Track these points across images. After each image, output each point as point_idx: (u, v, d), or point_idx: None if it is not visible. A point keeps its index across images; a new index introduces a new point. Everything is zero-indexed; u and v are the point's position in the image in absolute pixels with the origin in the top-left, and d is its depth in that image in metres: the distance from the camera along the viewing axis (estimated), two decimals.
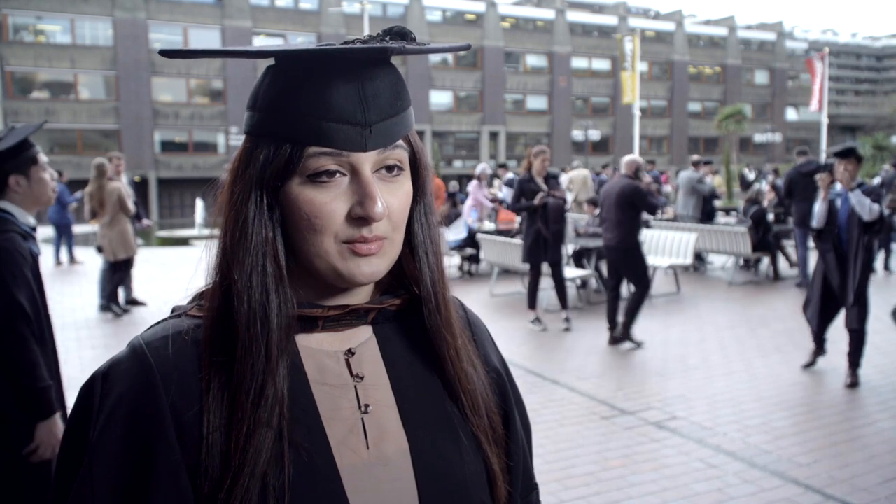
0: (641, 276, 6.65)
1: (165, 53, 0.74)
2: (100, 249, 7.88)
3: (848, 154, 5.23)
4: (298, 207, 0.74)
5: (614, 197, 6.61)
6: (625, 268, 6.72)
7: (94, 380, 0.74)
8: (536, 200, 6.80)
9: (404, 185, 0.78)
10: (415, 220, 0.83)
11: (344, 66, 0.74)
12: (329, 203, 0.73)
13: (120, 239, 7.70)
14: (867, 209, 5.15)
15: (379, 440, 0.78)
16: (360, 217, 0.73)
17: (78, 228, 13.17)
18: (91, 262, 12.07)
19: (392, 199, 0.76)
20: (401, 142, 0.77)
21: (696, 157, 12.52)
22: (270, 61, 0.78)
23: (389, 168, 0.76)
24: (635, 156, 7.16)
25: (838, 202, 5.36)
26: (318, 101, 0.73)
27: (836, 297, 5.50)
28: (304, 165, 0.73)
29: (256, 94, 0.77)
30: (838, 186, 5.36)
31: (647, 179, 6.57)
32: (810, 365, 5.89)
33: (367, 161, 0.74)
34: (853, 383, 5.42)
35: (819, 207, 5.40)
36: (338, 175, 0.74)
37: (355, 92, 0.74)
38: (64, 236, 12.20)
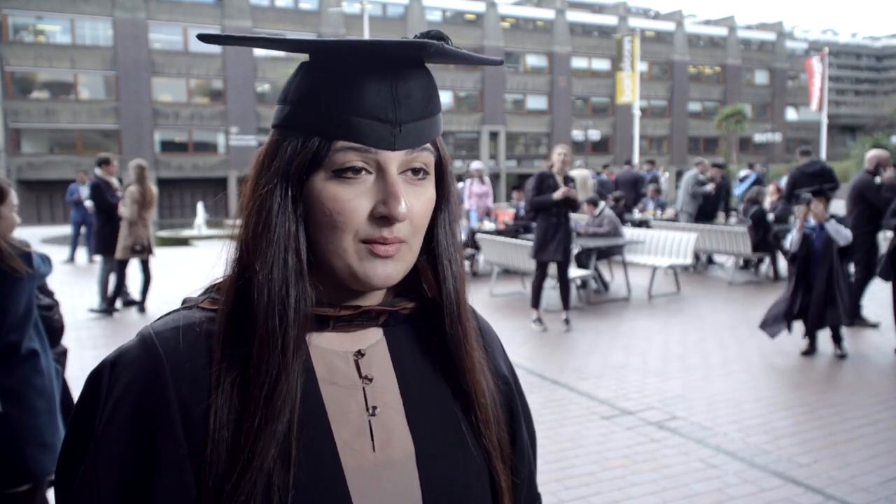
0: (866, 265, 7.17)
1: (204, 38, 0.74)
2: (138, 251, 7.92)
3: (820, 194, 6.12)
4: (322, 202, 0.73)
5: (851, 189, 7.32)
6: (857, 254, 7.16)
7: (102, 368, 0.74)
8: (557, 195, 6.77)
9: (428, 190, 0.78)
10: (438, 226, 0.82)
11: (378, 64, 0.74)
12: (352, 200, 0.73)
13: (150, 237, 8.05)
14: (843, 236, 5.98)
15: (385, 443, 0.78)
16: (382, 216, 0.73)
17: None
18: (75, 262, 12.09)
19: (415, 202, 0.76)
20: (428, 145, 0.77)
21: (698, 158, 12.56)
22: (304, 58, 0.78)
23: (415, 171, 0.76)
24: (880, 151, 7.65)
25: (813, 235, 6.06)
26: (350, 97, 0.73)
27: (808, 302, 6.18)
28: (330, 160, 0.73)
29: (288, 87, 0.77)
30: (812, 221, 6.09)
31: (888, 174, 7.08)
32: (809, 352, 6.24)
33: (393, 160, 0.74)
34: (842, 355, 6.12)
35: (795, 236, 6.13)
36: (363, 172, 0.73)
37: (388, 90, 0.73)
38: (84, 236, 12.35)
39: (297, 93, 0.75)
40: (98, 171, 8.30)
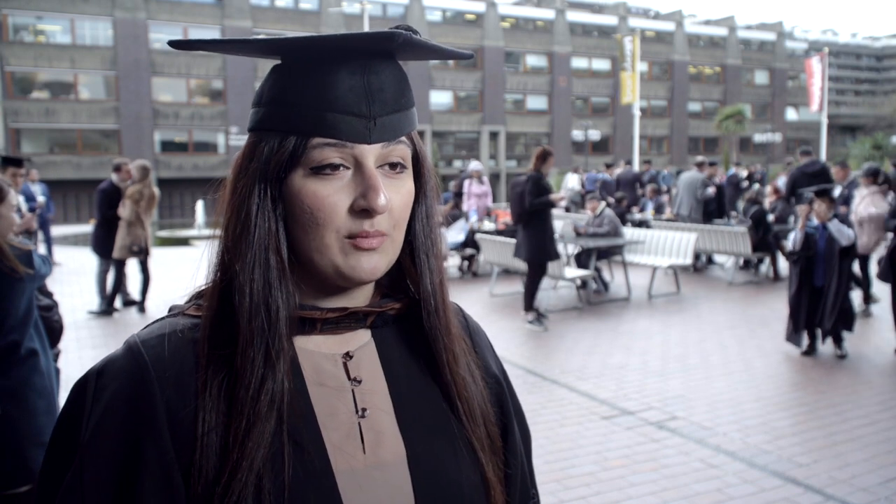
0: None
1: (174, 44, 0.75)
2: (136, 251, 7.92)
3: (823, 194, 6.11)
4: (301, 200, 0.73)
5: None
6: None
7: (88, 377, 0.74)
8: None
9: (407, 184, 0.78)
10: (416, 220, 0.82)
11: (349, 59, 0.74)
12: (331, 195, 0.73)
13: (148, 237, 8.09)
14: (845, 236, 5.95)
15: (375, 445, 0.77)
16: (362, 210, 0.73)
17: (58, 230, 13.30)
18: (75, 262, 12.07)
19: (394, 196, 0.76)
20: (404, 139, 0.77)
21: (700, 157, 12.41)
22: (277, 60, 0.78)
23: (392, 165, 0.76)
24: None
25: (816, 235, 6.04)
26: (323, 93, 0.73)
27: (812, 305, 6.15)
28: (307, 157, 0.73)
29: (262, 91, 0.78)
30: (815, 221, 6.06)
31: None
32: (809, 352, 6.23)
33: (370, 154, 0.74)
34: (842, 355, 6.10)
35: (798, 235, 6.12)
36: (341, 168, 0.74)
37: (361, 85, 0.74)
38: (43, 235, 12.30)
39: (270, 94, 0.76)
40: (114, 177, 8.25)
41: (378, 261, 0.76)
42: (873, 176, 7.77)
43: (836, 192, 8.42)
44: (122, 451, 0.70)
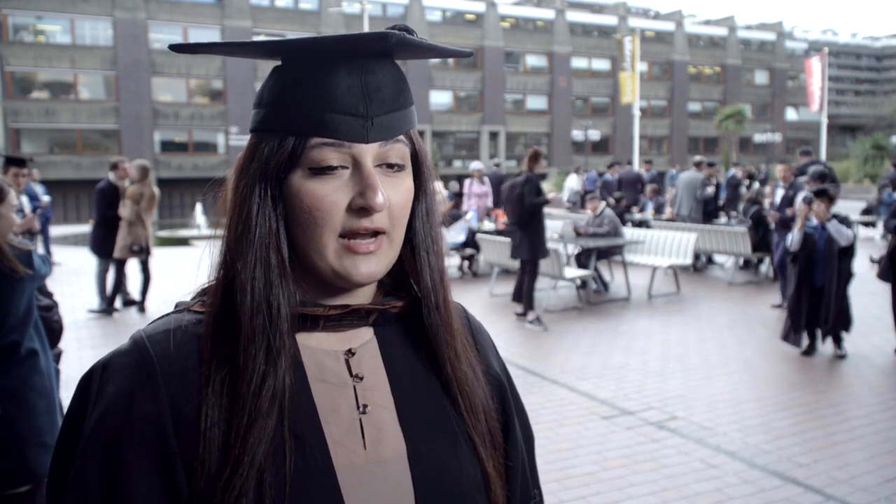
0: None
1: (176, 48, 0.76)
2: (136, 251, 7.93)
3: (822, 194, 6.11)
4: (300, 199, 0.74)
5: None
6: None
7: (94, 371, 0.75)
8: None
9: (406, 182, 0.79)
10: (416, 218, 0.83)
11: (347, 59, 0.75)
12: (330, 195, 0.74)
13: (149, 237, 8.12)
14: (844, 236, 5.96)
15: (376, 441, 0.78)
16: (360, 208, 0.74)
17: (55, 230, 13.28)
18: (75, 262, 12.06)
19: (393, 194, 0.77)
20: (402, 138, 0.78)
21: (698, 157, 12.39)
22: (277, 62, 0.79)
23: (391, 164, 0.77)
24: None
25: (815, 235, 6.05)
26: (321, 94, 0.74)
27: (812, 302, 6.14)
28: (306, 157, 0.74)
29: (262, 92, 0.79)
30: (814, 221, 6.07)
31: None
32: (809, 352, 6.23)
33: (368, 153, 0.75)
34: (842, 355, 6.11)
35: (796, 235, 6.10)
36: (339, 168, 0.75)
37: (358, 85, 0.75)
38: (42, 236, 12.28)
39: (270, 95, 0.77)
40: (111, 176, 8.25)
41: (375, 265, 0.76)
42: (821, 178, 7.76)
43: (779, 193, 8.40)
44: (125, 443, 0.70)
